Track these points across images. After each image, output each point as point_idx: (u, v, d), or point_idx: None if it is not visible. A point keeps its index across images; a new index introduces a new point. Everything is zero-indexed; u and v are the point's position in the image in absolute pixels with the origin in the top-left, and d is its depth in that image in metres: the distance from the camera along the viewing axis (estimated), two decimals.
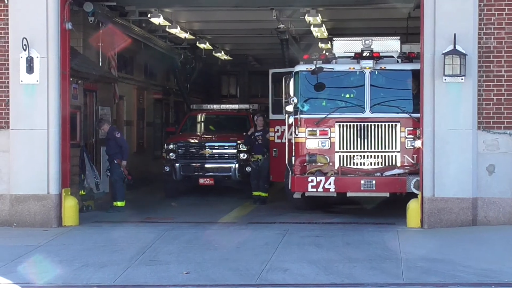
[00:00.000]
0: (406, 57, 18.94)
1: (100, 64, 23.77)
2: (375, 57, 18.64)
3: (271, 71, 21.64)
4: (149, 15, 23.64)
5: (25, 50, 16.83)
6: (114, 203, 20.26)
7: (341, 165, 18.47)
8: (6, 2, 17.11)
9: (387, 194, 18.37)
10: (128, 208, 20.33)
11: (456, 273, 12.52)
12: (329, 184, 17.97)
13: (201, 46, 30.68)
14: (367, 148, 18.42)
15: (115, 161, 20.37)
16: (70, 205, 17.47)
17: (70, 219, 17.42)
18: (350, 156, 18.52)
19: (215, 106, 27.09)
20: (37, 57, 16.98)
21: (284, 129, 20.54)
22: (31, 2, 17.02)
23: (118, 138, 20.59)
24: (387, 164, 18.40)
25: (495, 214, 16.35)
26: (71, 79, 18.31)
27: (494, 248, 14.30)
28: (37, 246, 15.16)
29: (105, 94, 22.87)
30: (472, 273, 12.54)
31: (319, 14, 22.67)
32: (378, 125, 18.41)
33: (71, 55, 18.21)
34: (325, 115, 18.63)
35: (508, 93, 16.38)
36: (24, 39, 16.78)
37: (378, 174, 18.20)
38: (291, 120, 18.89)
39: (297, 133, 18.88)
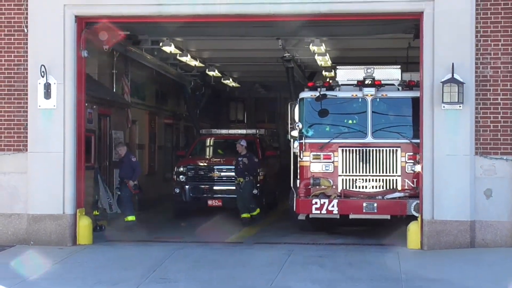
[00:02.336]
0: (407, 85, 19.22)
1: (114, 90, 24.25)
2: (377, 85, 19.03)
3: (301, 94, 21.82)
4: (161, 44, 23.98)
5: (43, 77, 17.04)
6: (125, 219, 20.58)
7: (344, 188, 18.82)
8: (26, 31, 17.40)
9: (388, 217, 18.66)
10: (139, 227, 20.54)
11: None
12: (333, 206, 18.34)
13: (210, 73, 30.96)
14: (369, 172, 18.79)
15: (125, 181, 20.78)
16: (84, 224, 17.64)
17: (84, 238, 17.59)
18: (352, 179, 18.90)
19: (224, 131, 27.38)
20: (54, 83, 17.17)
21: None
22: (49, 31, 17.30)
23: (133, 162, 20.99)
24: (388, 188, 18.76)
25: (492, 237, 16.44)
26: (86, 104, 18.53)
27: (491, 269, 14.42)
28: (53, 264, 15.37)
29: (118, 119, 23.17)
30: None
31: (323, 44, 22.84)
32: (379, 150, 18.77)
33: (86, 81, 18.45)
34: (328, 140, 19.04)
35: (504, 120, 16.53)
36: (42, 66, 16.99)
37: (380, 197, 18.54)
38: (296, 144, 19.33)
39: (301, 157, 19.21)
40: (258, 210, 22.57)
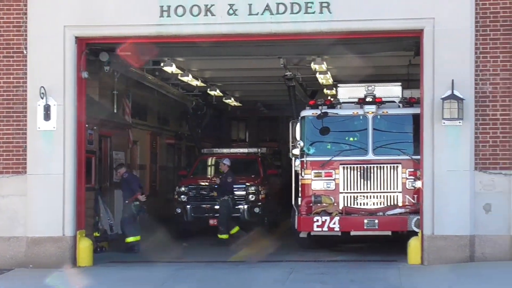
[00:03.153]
0: (407, 102, 19.34)
1: (115, 111, 24.31)
2: (378, 102, 19.12)
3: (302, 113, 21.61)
4: (162, 64, 24.01)
5: (42, 98, 17.03)
6: (126, 240, 20.53)
7: (345, 205, 18.86)
8: (25, 53, 17.42)
9: (389, 233, 18.77)
10: (141, 248, 20.52)
11: None
12: (334, 223, 18.34)
13: (212, 93, 30.97)
14: (370, 189, 18.85)
15: (126, 202, 20.75)
16: (85, 246, 17.56)
17: (84, 260, 17.50)
18: (354, 196, 18.95)
19: (225, 150, 27.30)
20: (54, 105, 17.18)
21: None
22: (49, 53, 17.32)
23: (125, 178, 21.00)
24: (389, 204, 18.80)
25: (491, 251, 16.51)
26: (86, 125, 18.55)
27: (491, 283, 14.52)
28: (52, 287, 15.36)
29: (119, 139, 23.20)
30: None
31: (325, 62, 22.93)
32: (380, 166, 18.84)
33: (87, 102, 18.46)
34: (330, 158, 19.09)
35: (503, 135, 16.62)
36: (42, 88, 17.01)
37: (381, 213, 18.56)
38: (297, 162, 19.36)
39: (303, 175, 19.26)
40: (226, 236, 22.29)
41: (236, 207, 23.55)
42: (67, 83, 17.47)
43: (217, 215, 22.84)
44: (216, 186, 23.12)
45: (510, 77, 16.71)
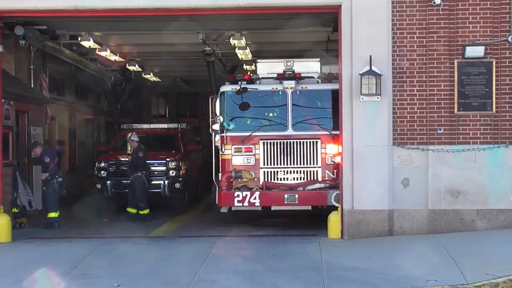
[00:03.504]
0: (326, 78, 19.45)
1: (32, 86, 23.96)
2: (297, 77, 19.20)
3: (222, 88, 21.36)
4: (79, 39, 23.71)
5: None
6: (48, 215, 20.38)
7: (266, 180, 18.95)
8: None
9: (309, 207, 18.85)
10: (60, 224, 20.37)
11: (374, 281, 13.01)
12: (255, 198, 18.44)
13: (131, 68, 30.71)
14: (290, 164, 18.95)
15: (49, 177, 20.62)
16: (3, 222, 17.46)
17: (3, 236, 17.39)
18: (274, 172, 19.04)
19: (145, 126, 27.19)
20: None
21: None
22: None
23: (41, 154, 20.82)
24: (309, 179, 18.93)
25: (409, 225, 16.80)
26: (3, 100, 18.35)
27: (408, 257, 14.61)
28: None
29: (37, 115, 22.83)
30: (389, 280, 13.04)
31: (243, 38, 22.89)
32: (300, 142, 18.94)
33: (2, 77, 18.24)
34: (249, 133, 19.16)
35: (420, 111, 16.88)
36: None
37: (301, 188, 18.70)
38: (217, 138, 19.38)
39: (223, 150, 19.28)
40: (147, 211, 22.23)
41: (156, 182, 23.46)
42: None
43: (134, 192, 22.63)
44: (128, 164, 22.86)
45: (427, 53, 16.93)
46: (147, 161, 23.07)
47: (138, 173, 22.31)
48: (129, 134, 23.61)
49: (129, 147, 23.90)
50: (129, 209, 22.34)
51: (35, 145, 21.38)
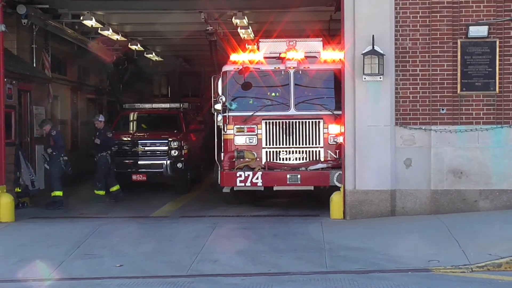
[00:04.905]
0: (329, 57, 19.29)
1: (34, 65, 23.92)
2: (299, 57, 19.08)
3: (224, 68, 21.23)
4: (81, 18, 23.73)
5: None
6: (52, 194, 20.35)
7: (268, 160, 18.90)
8: None
9: (312, 188, 18.82)
10: (63, 204, 20.39)
11: (376, 261, 13.02)
12: (257, 178, 18.39)
13: (133, 47, 30.75)
14: (292, 144, 18.89)
15: (54, 154, 20.52)
16: (6, 202, 17.53)
17: (5, 216, 17.47)
18: (276, 151, 18.98)
19: (147, 105, 27.04)
20: None
21: None
22: None
23: (53, 135, 20.80)
24: (311, 159, 18.86)
25: (412, 205, 16.82)
26: (5, 79, 18.34)
27: (411, 237, 14.63)
28: None
29: (39, 94, 22.85)
30: (390, 260, 13.05)
31: (246, 17, 22.94)
32: (302, 122, 18.87)
33: (5, 56, 18.22)
34: (252, 113, 19.10)
35: (423, 91, 16.86)
36: None
37: (303, 168, 18.64)
38: (219, 118, 19.34)
39: (225, 130, 19.22)
40: (103, 192, 22.06)
41: (158, 162, 23.44)
42: None
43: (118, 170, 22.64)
44: (95, 144, 22.67)
45: (430, 33, 16.88)
46: (148, 141, 23.02)
47: (103, 153, 22.15)
48: (96, 116, 23.45)
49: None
50: (112, 189, 22.22)
51: (44, 123, 21.33)
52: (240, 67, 19.25)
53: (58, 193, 20.39)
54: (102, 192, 21.96)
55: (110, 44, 28.91)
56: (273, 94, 19.38)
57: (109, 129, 22.75)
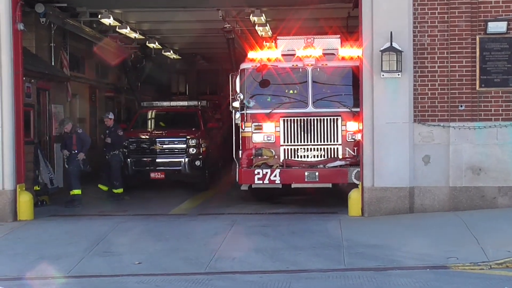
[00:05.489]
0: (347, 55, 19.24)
1: (53, 64, 24.00)
2: (317, 54, 19.02)
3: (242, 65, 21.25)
4: (99, 16, 23.80)
5: None
6: (71, 192, 20.37)
7: (286, 158, 18.88)
8: None
9: (330, 185, 18.79)
10: (82, 202, 20.42)
11: (394, 258, 13.01)
12: (275, 176, 18.39)
13: (151, 45, 30.82)
14: (310, 142, 18.85)
15: (73, 152, 20.49)
16: (25, 200, 17.58)
17: (25, 214, 17.53)
18: (294, 149, 18.94)
19: (165, 103, 26.97)
20: None
21: None
22: None
23: (80, 133, 20.81)
24: (329, 157, 18.84)
25: (430, 202, 16.79)
26: (24, 78, 18.36)
27: (429, 234, 14.69)
28: None
29: (58, 93, 22.97)
30: (409, 257, 13.04)
31: (263, 14, 22.92)
32: (320, 119, 18.82)
33: (23, 55, 18.26)
34: (270, 111, 19.11)
35: (441, 87, 16.81)
36: None
37: (321, 166, 18.63)
38: (237, 115, 19.29)
39: (243, 128, 19.20)
40: (121, 190, 22.07)
41: (176, 160, 23.47)
42: (3, 35, 17.24)
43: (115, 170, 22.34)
44: (105, 143, 22.60)
45: (448, 29, 16.83)
46: (166, 139, 23.04)
47: (116, 151, 22.19)
48: (106, 113, 23.48)
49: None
50: (100, 186, 22.24)
51: (65, 121, 21.34)
52: (258, 65, 19.23)
53: (77, 191, 20.42)
54: (120, 190, 21.99)
55: (123, 42, 28.98)
56: (291, 91, 19.34)
57: (119, 126, 22.77)
